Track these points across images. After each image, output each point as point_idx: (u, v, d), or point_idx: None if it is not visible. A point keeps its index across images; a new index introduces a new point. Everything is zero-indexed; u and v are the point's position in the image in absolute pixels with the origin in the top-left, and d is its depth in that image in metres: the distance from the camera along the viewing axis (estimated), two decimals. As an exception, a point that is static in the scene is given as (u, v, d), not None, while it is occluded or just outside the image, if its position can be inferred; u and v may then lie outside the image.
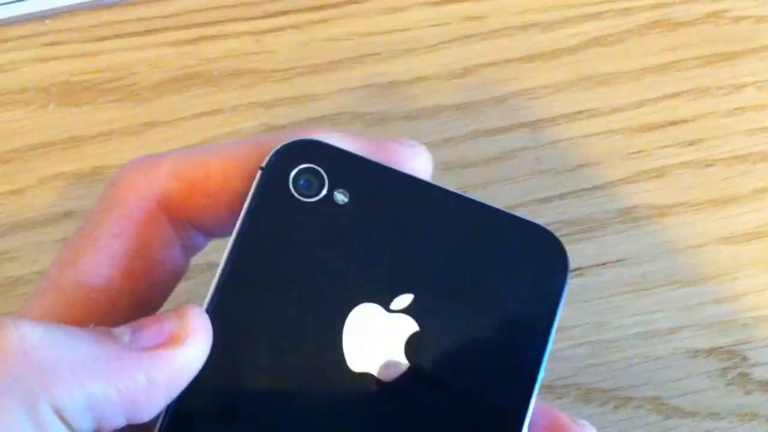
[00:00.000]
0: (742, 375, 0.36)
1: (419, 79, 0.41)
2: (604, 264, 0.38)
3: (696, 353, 0.37)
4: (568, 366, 0.36)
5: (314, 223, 0.23)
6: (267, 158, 0.23)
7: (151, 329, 0.21)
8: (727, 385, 0.36)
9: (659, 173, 0.39)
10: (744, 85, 0.40)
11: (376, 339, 0.23)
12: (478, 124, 0.40)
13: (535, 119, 0.40)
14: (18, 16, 0.41)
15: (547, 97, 0.40)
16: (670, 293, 0.37)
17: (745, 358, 0.36)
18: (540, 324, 0.23)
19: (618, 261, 0.38)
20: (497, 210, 0.23)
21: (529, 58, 0.41)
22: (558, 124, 0.40)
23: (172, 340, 0.21)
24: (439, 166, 0.39)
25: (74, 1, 0.41)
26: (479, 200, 0.23)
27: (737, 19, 0.41)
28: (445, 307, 0.23)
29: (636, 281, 0.38)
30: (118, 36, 0.41)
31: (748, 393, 0.36)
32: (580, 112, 0.40)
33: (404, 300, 0.23)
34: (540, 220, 0.23)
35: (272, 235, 0.23)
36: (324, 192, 0.23)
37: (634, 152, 0.39)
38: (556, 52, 0.41)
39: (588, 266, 0.38)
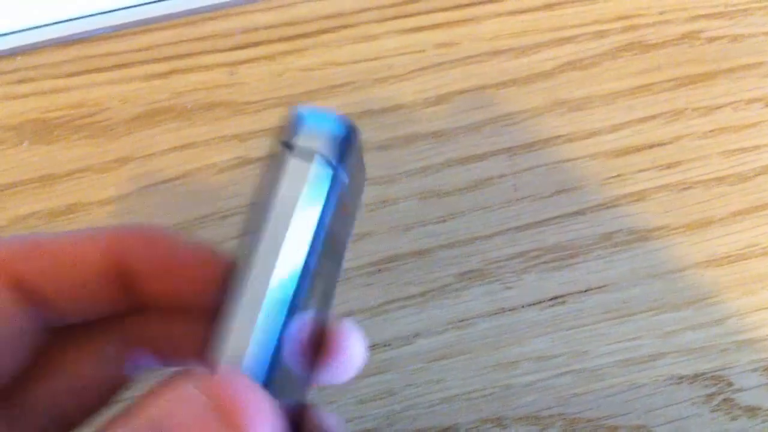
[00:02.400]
0: (727, 401, 0.36)
1: (394, 108, 0.40)
2: (585, 291, 0.37)
3: (680, 380, 0.36)
4: (552, 396, 0.36)
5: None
6: (345, 129, 0.21)
7: None
8: (712, 411, 0.36)
9: (638, 197, 0.39)
10: (720, 106, 0.40)
11: None
12: (454, 152, 0.39)
13: (511, 145, 0.39)
14: (-14, 54, 0.41)
15: (522, 123, 0.40)
16: (652, 319, 0.37)
17: (729, 384, 0.36)
18: None
19: (599, 287, 0.38)
20: None
21: (504, 84, 0.40)
22: (535, 150, 0.39)
23: None
24: (416, 196, 0.39)
25: (45, 37, 0.41)
26: None
27: (711, 40, 0.41)
28: None
29: (618, 308, 0.37)
30: (89, 71, 0.41)
31: (733, 419, 0.36)
32: (557, 137, 0.40)
33: None
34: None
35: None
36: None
37: (612, 176, 0.39)
38: (530, 78, 0.40)
39: (569, 293, 0.37)
